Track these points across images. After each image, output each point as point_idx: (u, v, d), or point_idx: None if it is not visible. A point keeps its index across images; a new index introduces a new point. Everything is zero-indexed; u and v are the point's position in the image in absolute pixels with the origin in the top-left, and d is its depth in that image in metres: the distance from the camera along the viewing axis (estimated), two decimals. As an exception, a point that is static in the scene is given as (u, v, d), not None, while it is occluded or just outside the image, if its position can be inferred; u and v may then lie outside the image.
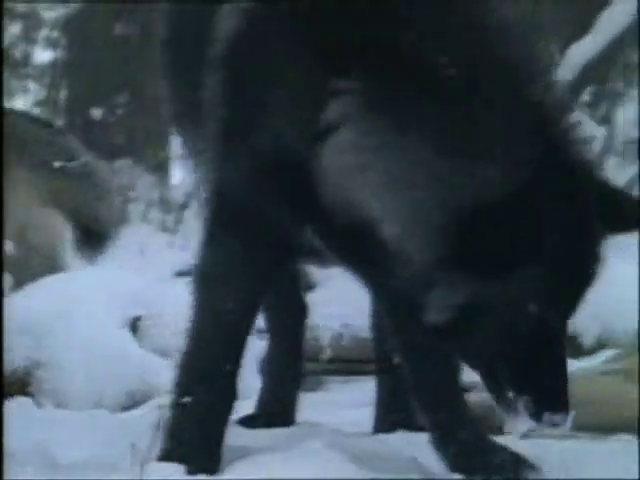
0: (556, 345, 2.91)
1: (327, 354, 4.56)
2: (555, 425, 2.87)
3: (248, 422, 3.81)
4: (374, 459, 3.23)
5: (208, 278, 3.25)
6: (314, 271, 4.68)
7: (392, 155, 2.81)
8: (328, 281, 4.07)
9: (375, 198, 2.84)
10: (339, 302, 3.96)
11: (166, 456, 3.10)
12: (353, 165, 2.84)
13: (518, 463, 3.14)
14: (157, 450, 3.04)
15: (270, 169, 3.02)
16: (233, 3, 3.15)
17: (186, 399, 3.16)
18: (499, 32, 2.99)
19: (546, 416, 2.84)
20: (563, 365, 2.90)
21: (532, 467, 3.13)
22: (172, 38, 3.57)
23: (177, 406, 3.19)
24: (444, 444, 3.17)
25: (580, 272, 2.91)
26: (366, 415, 3.81)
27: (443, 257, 2.73)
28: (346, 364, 4.50)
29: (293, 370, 3.90)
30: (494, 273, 2.74)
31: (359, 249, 3.02)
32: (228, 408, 3.22)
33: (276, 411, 3.85)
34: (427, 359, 3.25)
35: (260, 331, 3.67)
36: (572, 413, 2.88)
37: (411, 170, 2.79)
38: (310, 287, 4.31)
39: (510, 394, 2.89)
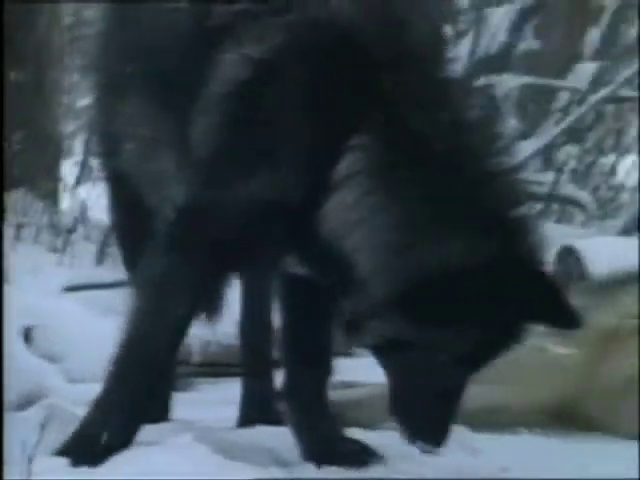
0: (454, 391, 3.04)
1: (197, 359, 4.64)
2: (424, 452, 3.04)
3: None
4: (237, 450, 3.31)
5: (163, 287, 3.20)
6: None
7: (385, 216, 2.95)
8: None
9: (361, 247, 2.99)
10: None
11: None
12: (351, 217, 2.97)
13: (366, 453, 3.24)
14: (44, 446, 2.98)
15: (266, 209, 3.04)
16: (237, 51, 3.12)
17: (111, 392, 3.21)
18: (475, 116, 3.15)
19: (419, 444, 3.01)
20: (453, 408, 3.04)
21: (377, 457, 3.23)
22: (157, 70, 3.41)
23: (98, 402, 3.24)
24: (303, 435, 3.25)
25: (492, 347, 3.07)
26: (231, 412, 3.85)
27: (393, 300, 2.91)
28: (213, 367, 4.57)
29: (167, 373, 3.80)
30: (426, 324, 2.90)
31: (333, 274, 3.12)
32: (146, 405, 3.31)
33: (153, 409, 3.64)
34: (305, 365, 3.34)
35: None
36: (444, 445, 3.00)
37: (397, 231, 2.94)
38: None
39: (397, 416, 3.07)
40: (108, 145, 3.73)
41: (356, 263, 3.00)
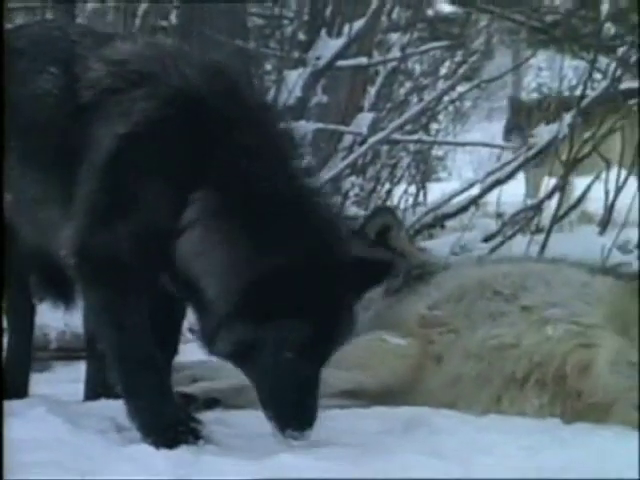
0: (308, 381, 2.93)
1: (54, 345, 4.52)
2: (295, 439, 2.89)
3: None
4: (84, 419, 3.20)
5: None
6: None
7: (219, 248, 2.95)
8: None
9: (204, 273, 2.98)
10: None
11: None
12: (196, 251, 2.98)
13: (195, 431, 3.01)
14: None
15: (144, 239, 3.02)
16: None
17: None
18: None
19: (288, 432, 2.89)
20: (312, 396, 2.93)
21: (205, 437, 3.01)
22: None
23: None
24: (134, 414, 3.06)
25: (333, 332, 2.99)
26: (80, 389, 3.74)
27: (232, 311, 2.90)
28: (67, 352, 4.47)
29: (25, 357, 3.74)
30: (262, 325, 2.87)
31: (191, 295, 3.08)
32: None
33: (14, 386, 3.62)
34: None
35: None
36: (310, 432, 2.89)
37: (230, 259, 2.94)
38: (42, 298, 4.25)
39: (266, 410, 2.96)
40: None
41: (203, 286, 2.99)
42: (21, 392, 3.66)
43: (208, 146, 3.02)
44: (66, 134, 3.18)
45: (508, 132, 10.38)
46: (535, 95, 11.15)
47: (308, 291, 2.85)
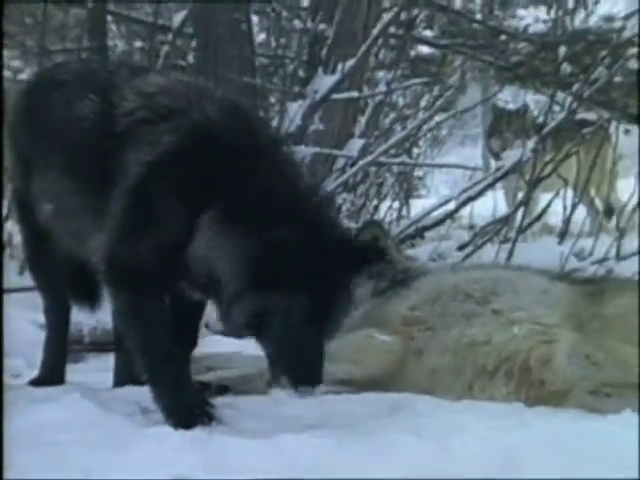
0: (313, 344, 2.93)
1: (87, 339, 4.52)
2: (307, 393, 2.91)
3: (36, 383, 3.66)
4: (112, 404, 3.20)
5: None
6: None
7: (227, 241, 2.97)
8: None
9: (215, 265, 2.99)
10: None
11: None
12: (207, 252, 3.00)
13: (209, 414, 3.03)
14: None
15: (163, 251, 3.04)
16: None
17: None
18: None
19: (300, 388, 2.90)
20: (318, 357, 2.94)
21: (218, 419, 3.02)
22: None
23: None
24: (158, 399, 3.07)
25: (330, 304, 2.99)
26: (109, 377, 3.74)
27: (241, 288, 2.91)
28: (98, 345, 4.46)
29: (62, 350, 3.77)
30: (268, 296, 2.88)
31: (209, 290, 3.10)
32: None
33: (52, 375, 3.68)
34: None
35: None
36: (321, 386, 2.92)
37: (235, 248, 2.94)
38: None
39: (280, 371, 2.97)
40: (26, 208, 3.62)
41: (216, 277, 3.00)
42: (60, 380, 3.68)
43: (220, 174, 3.02)
44: (102, 155, 3.18)
45: (489, 136, 10.34)
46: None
47: (305, 266, 2.86)
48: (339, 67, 6.41)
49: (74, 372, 3.83)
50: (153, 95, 3.26)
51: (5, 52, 12.95)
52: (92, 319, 4.26)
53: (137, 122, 3.18)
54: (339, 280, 3.03)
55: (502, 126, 10.01)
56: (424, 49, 12.51)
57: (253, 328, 2.99)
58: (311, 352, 2.94)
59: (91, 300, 3.76)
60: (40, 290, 3.80)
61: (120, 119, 3.21)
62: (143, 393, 3.17)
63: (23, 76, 13.32)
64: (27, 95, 3.72)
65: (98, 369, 4.07)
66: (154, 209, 3.08)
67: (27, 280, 4.73)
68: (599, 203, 9.49)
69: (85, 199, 3.27)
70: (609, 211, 8.52)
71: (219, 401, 3.27)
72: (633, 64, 8.84)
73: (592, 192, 9.29)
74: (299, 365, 2.92)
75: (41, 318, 4.15)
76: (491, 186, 6.64)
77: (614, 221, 6.91)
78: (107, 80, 3.41)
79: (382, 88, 7.55)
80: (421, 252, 6.34)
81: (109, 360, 3.96)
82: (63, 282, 3.73)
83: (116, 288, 3.17)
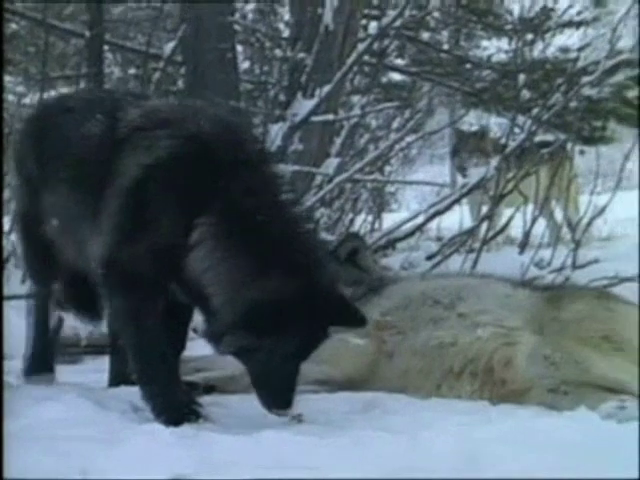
0: (289, 376, 2.97)
1: (84, 342, 4.48)
2: (279, 415, 2.97)
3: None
4: (107, 402, 3.18)
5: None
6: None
7: (222, 265, 2.94)
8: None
9: (210, 284, 2.97)
10: None
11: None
12: (203, 266, 2.97)
13: (196, 412, 3.03)
14: None
15: (158, 255, 3.01)
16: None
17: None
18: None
19: (274, 410, 2.98)
20: (292, 386, 2.97)
21: (205, 417, 3.03)
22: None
23: None
24: (149, 398, 3.06)
25: (312, 345, 3.03)
26: (105, 377, 3.72)
27: (236, 323, 2.90)
28: (94, 348, 4.42)
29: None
30: (260, 337, 2.89)
31: (200, 301, 3.08)
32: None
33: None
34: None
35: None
36: (289, 410, 2.98)
37: (231, 275, 2.94)
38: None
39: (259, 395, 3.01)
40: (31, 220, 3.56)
41: (209, 295, 2.98)
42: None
43: (213, 180, 3.00)
44: (103, 164, 3.16)
45: (454, 154, 10.41)
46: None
47: (298, 317, 2.88)
48: (317, 92, 6.42)
49: (71, 373, 3.83)
50: (154, 110, 3.28)
51: (9, 78, 12.92)
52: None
53: (135, 129, 3.17)
54: (320, 328, 3.04)
55: (463, 146, 10.10)
56: (395, 76, 12.57)
57: (239, 356, 3.04)
58: (286, 383, 2.98)
59: (90, 311, 3.69)
60: (36, 296, 3.77)
61: (120, 130, 3.20)
62: (136, 392, 3.14)
63: (26, 100, 13.27)
64: (36, 122, 3.69)
65: (94, 370, 4.05)
66: (148, 211, 3.05)
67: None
68: (557, 217, 9.54)
69: (87, 206, 3.23)
70: (568, 224, 8.57)
71: (206, 400, 3.26)
72: (587, 91, 8.88)
73: (552, 206, 9.33)
74: (275, 393, 2.99)
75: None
76: (457, 201, 6.66)
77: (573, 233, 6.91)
78: (113, 103, 3.40)
79: (357, 111, 7.56)
80: (393, 261, 6.34)
81: (104, 362, 3.94)
82: (59, 290, 3.68)
83: (112, 290, 3.14)
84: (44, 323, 3.73)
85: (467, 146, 10.07)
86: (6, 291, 4.59)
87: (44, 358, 3.71)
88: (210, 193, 3.00)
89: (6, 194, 4.42)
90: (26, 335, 3.73)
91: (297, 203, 3.20)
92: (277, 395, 2.99)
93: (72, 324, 4.19)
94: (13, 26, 11.49)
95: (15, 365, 3.78)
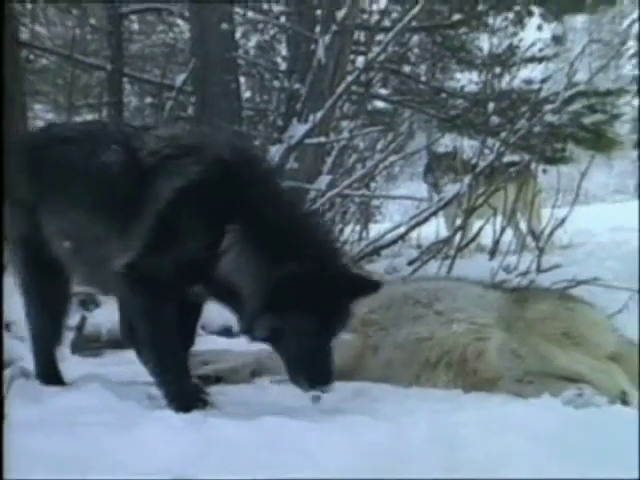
0: (325, 352, 2.95)
1: (105, 338, 4.44)
2: (322, 392, 2.93)
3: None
4: (126, 391, 3.18)
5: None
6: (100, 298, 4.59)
7: (250, 263, 2.95)
8: (106, 303, 3.90)
9: (240, 281, 2.98)
10: (111, 313, 3.84)
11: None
12: (233, 267, 2.97)
13: (204, 400, 3.05)
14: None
15: (183, 264, 3.00)
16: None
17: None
18: None
19: (317, 388, 2.93)
20: (328, 362, 2.95)
21: (211, 404, 3.03)
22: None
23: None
24: (162, 386, 3.05)
25: (334, 322, 3.01)
26: (123, 370, 3.69)
27: (264, 306, 2.90)
28: (114, 343, 4.37)
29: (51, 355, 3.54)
30: (286, 315, 2.89)
31: (231, 299, 3.06)
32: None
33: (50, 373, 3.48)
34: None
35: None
36: (331, 386, 2.92)
37: (257, 272, 2.93)
38: (97, 305, 4.17)
39: (298, 375, 2.96)
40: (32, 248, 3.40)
41: (240, 291, 2.97)
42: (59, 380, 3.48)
43: (235, 195, 3.01)
44: (133, 188, 3.11)
45: (426, 172, 10.48)
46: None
47: (316, 294, 2.87)
48: (310, 118, 6.41)
49: (93, 365, 3.79)
50: (173, 138, 3.25)
51: (40, 106, 12.95)
52: (109, 321, 4.19)
53: (165, 158, 3.14)
54: (341, 303, 3.02)
55: (436, 165, 10.17)
56: (379, 104, 12.60)
57: (273, 341, 3.01)
58: (321, 361, 2.96)
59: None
60: (31, 316, 3.53)
61: (147, 159, 3.16)
62: (150, 383, 3.13)
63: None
64: (33, 152, 3.49)
65: (113, 363, 4.01)
66: (181, 226, 3.04)
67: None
68: (523, 227, 9.56)
69: (113, 225, 3.15)
70: (533, 233, 8.58)
71: (212, 389, 3.24)
72: (548, 117, 8.89)
73: (519, 218, 9.34)
74: (313, 371, 2.95)
75: (68, 321, 4.14)
76: (434, 214, 6.65)
77: (536, 241, 6.91)
78: (123, 134, 3.35)
79: (345, 134, 7.57)
80: (378, 267, 6.33)
81: (123, 355, 3.94)
82: (60, 310, 3.53)
83: (135, 291, 3.08)
84: (46, 351, 3.51)
85: (439, 165, 10.16)
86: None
87: (51, 376, 3.48)
88: (234, 206, 3.01)
89: None
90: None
91: (303, 203, 3.19)
92: (315, 372, 2.94)
93: (94, 322, 4.18)
94: (43, 61, 11.51)
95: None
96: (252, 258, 2.96)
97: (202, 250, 3.01)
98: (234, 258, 2.98)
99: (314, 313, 2.90)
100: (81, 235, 3.26)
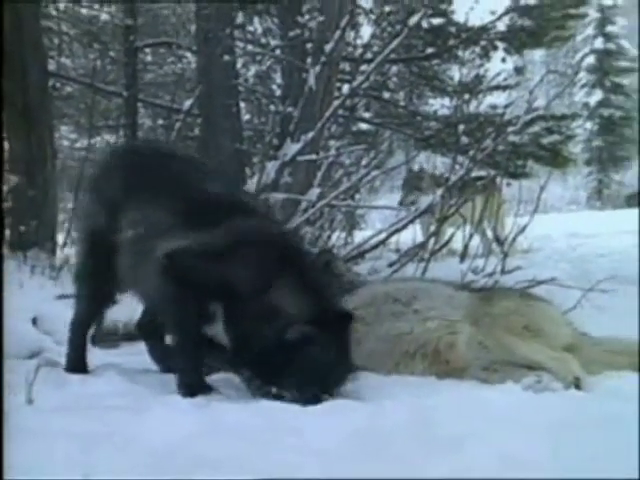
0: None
1: (122, 331, 4.40)
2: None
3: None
4: (139, 378, 3.18)
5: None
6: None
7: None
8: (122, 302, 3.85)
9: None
10: (127, 310, 3.81)
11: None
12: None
13: (208, 387, 2.99)
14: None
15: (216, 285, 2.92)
16: None
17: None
18: None
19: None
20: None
21: (215, 390, 2.98)
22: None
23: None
24: (176, 368, 3.04)
25: (341, 372, 2.98)
26: (137, 360, 3.67)
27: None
28: (130, 336, 4.33)
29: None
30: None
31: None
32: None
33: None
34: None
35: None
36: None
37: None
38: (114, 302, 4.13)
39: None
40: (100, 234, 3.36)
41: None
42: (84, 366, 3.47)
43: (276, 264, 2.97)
44: (202, 210, 3.09)
45: (404, 187, 10.58)
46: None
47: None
48: (302, 137, 6.41)
49: (111, 355, 3.78)
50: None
51: (65, 128, 12.95)
52: (125, 315, 4.16)
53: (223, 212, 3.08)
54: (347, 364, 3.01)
55: (411, 182, 10.28)
56: (363, 125, 12.62)
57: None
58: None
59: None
60: (80, 302, 3.54)
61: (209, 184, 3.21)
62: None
63: (77, 144, 13.28)
64: (121, 161, 3.54)
65: (129, 353, 4.01)
66: (225, 265, 2.94)
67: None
68: (489, 234, 9.57)
69: (173, 227, 3.09)
70: (497, 239, 8.59)
71: (215, 377, 3.22)
72: (511, 138, 8.91)
73: (485, 225, 9.35)
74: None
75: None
76: (411, 222, 6.64)
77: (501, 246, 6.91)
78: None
79: (333, 152, 7.58)
80: (361, 269, 6.31)
81: (137, 347, 3.92)
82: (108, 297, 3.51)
83: (168, 277, 3.00)
84: (81, 337, 3.52)
85: (412, 182, 10.22)
86: (60, 291, 4.56)
87: (79, 363, 3.47)
88: (273, 269, 2.95)
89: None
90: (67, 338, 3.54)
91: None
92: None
93: (112, 318, 4.16)
94: (68, 89, 11.54)
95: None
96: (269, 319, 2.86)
97: (232, 289, 2.91)
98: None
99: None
100: (145, 226, 3.20)
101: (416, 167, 11.29)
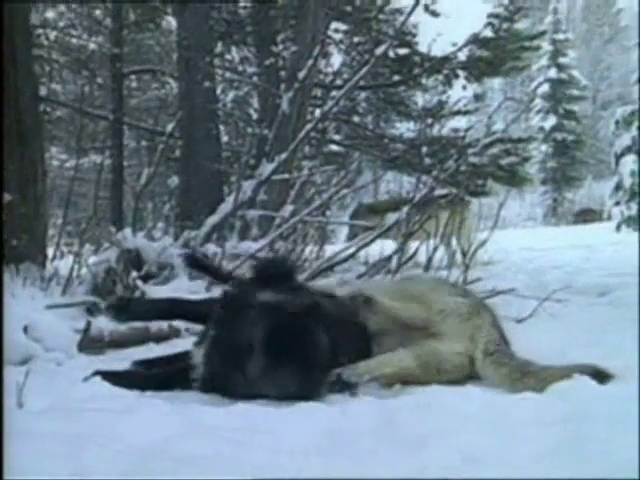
0: None
1: (107, 338, 4.30)
2: None
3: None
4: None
5: None
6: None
7: None
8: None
9: None
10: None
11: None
12: None
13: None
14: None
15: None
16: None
17: None
18: None
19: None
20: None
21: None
22: None
23: None
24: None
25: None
26: (122, 366, 3.51)
27: None
28: (115, 343, 4.29)
29: None
30: None
31: None
32: None
33: None
34: None
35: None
36: None
37: None
38: (100, 311, 4.10)
39: None
40: None
41: None
42: None
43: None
44: None
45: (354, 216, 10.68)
46: (385, 197, 11.40)
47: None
48: (277, 158, 6.45)
49: (97, 362, 3.72)
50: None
51: (55, 149, 12.87)
52: (110, 324, 4.13)
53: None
54: None
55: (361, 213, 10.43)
56: (334, 147, 12.70)
57: None
58: None
59: None
60: None
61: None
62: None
63: (67, 164, 13.19)
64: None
65: (114, 359, 3.95)
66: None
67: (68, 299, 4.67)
68: (453, 247, 9.65)
69: None
70: (463, 252, 8.66)
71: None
72: (471, 159, 9.02)
73: (449, 239, 9.43)
74: None
75: (76, 325, 4.08)
76: (379, 236, 6.69)
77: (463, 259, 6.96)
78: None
79: (305, 172, 7.62)
80: (332, 280, 6.33)
81: (123, 353, 3.91)
82: None
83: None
84: None
85: (360, 215, 10.30)
86: (49, 301, 4.52)
87: None
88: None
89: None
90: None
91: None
92: None
93: (98, 326, 4.13)
94: (58, 112, 11.50)
95: (56, 356, 3.71)
96: None
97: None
98: None
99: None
100: None
101: (382, 186, 11.38)
